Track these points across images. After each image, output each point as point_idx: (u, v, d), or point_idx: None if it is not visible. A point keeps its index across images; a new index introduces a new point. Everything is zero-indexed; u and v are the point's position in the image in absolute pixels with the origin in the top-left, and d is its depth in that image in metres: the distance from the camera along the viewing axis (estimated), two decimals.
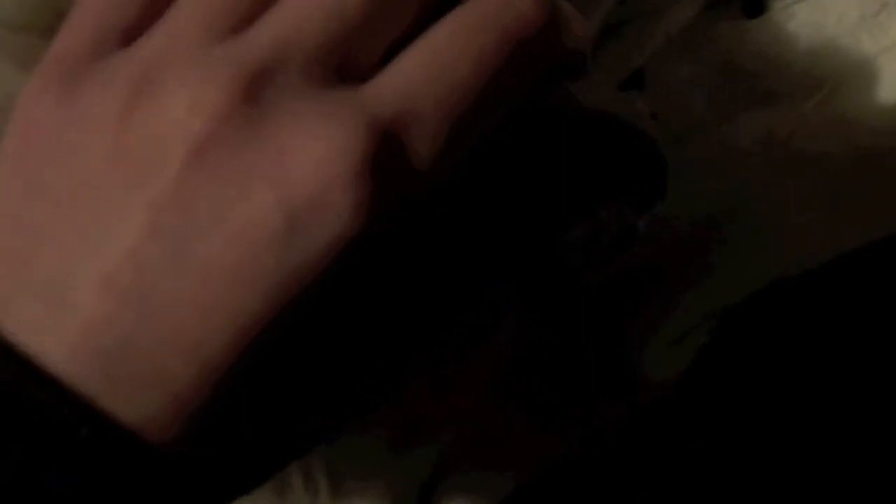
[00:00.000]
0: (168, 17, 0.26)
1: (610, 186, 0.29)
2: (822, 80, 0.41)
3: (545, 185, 0.29)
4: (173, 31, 0.26)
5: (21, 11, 0.35)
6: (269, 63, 0.25)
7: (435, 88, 0.25)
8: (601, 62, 0.40)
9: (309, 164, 0.24)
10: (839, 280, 0.41)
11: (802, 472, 0.42)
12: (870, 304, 0.42)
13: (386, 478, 0.41)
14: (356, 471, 0.40)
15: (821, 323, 0.42)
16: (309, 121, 0.24)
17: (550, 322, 0.40)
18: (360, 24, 0.26)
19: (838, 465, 0.42)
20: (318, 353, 0.28)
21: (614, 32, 0.41)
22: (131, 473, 0.25)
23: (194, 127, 0.24)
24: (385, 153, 0.25)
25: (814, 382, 0.42)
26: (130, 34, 0.27)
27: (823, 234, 0.40)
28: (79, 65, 0.26)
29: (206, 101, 0.24)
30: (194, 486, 0.26)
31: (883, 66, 0.42)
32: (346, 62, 0.26)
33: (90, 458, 0.25)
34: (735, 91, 0.41)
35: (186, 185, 0.24)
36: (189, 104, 0.24)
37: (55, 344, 0.25)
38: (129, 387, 0.25)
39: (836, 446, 0.42)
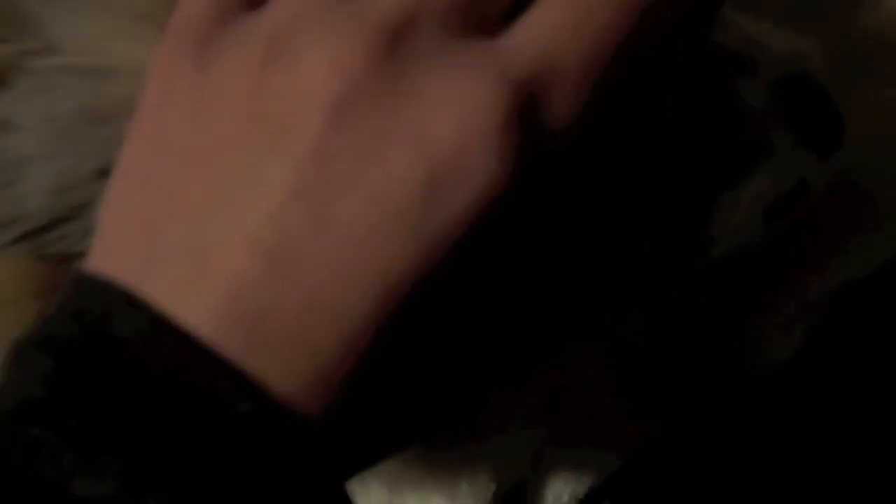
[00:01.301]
0: None
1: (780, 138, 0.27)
2: None
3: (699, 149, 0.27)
4: None
5: None
6: (403, 19, 0.25)
7: (575, 42, 0.25)
8: None
9: (449, 121, 0.24)
10: None
11: None
12: None
13: (492, 456, 0.40)
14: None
15: None
16: (447, 77, 0.24)
17: (665, 303, 0.39)
18: None
19: None
20: (455, 326, 0.27)
21: None
22: (284, 446, 0.24)
23: (333, 87, 0.24)
24: (527, 108, 0.24)
25: None
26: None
27: None
28: (208, 30, 0.26)
29: (344, 61, 0.24)
30: (335, 457, 0.26)
31: None
32: (479, 16, 0.25)
33: (250, 432, 0.24)
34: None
35: (327, 145, 0.24)
36: (327, 65, 0.24)
37: (200, 308, 0.24)
38: (274, 353, 0.24)
39: None
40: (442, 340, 0.27)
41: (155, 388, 0.24)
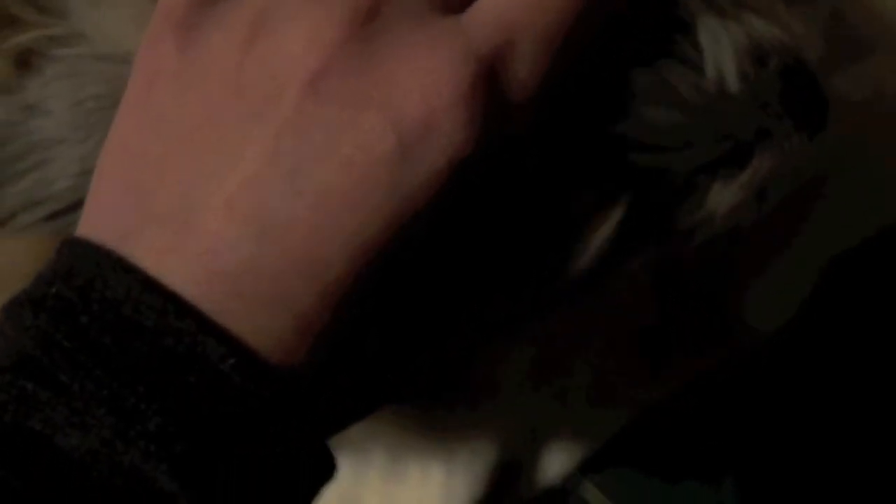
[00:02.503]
0: None
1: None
2: None
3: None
4: None
5: None
6: None
7: (533, 14, 0.26)
8: None
9: (419, 91, 0.25)
10: None
11: None
12: None
13: (496, 418, 0.41)
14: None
15: None
16: (415, 50, 0.26)
17: (658, 271, 0.40)
18: None
19: None
20: (431, 282, 0.28)
21: None
22: (266, 400, 0.25)
23: (310, 60, 0.26)
24: (491, 78, 0.26)
25: None
26: None
27: None
28: (193, 12, 0.27)
29: (321, 37, 0.26)
30: (316, 412, 0.27)
31: None
32: None
33: (234, 388, 0.25)
34: (840, 42, 0.41)
35: (304, 113, 0.26)
36: (305, 39, 0.26)
37: (183, 270, 0.26)
38: (254, 309, 0.26)
39: None
40: (414, 298, 0.28)
41: (143, 346, 0.25)
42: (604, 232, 0.29)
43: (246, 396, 0.25)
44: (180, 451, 0.25)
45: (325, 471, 0.28)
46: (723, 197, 0.29)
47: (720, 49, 0.27)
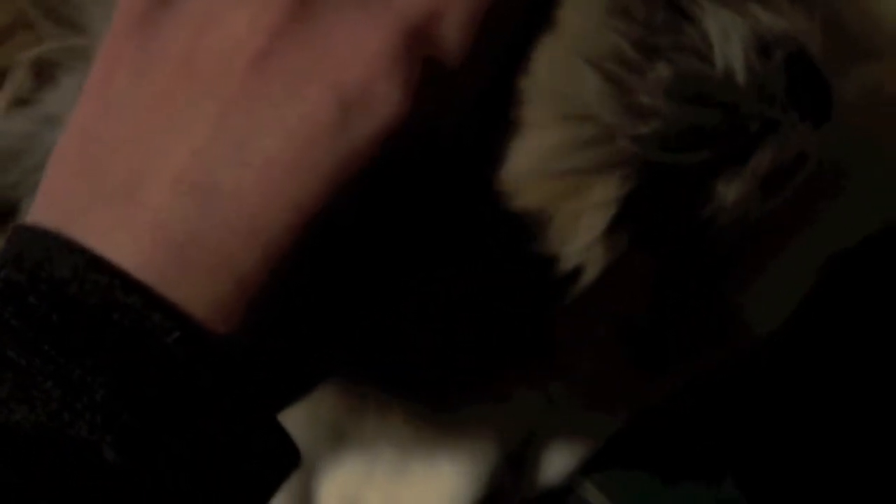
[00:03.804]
0: None
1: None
2: None
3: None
4: None
5: None
6: None
7: None
8: None
9: (356, 61, 0.27)
10: None
11: None
12: None
13: (496, 418, 0.42)
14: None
15: None
16: (351, 25, 0.28)
17: (659, 272, 0.40)
18: None
19: None
20: (367, 250, 0.29)
21: None
22: (213, 368, 0.26)
23: (255, 41, 0.28)
24: (422, 45, 0.28)
25: None
26: None
27: None
28: (151, 8, 0.29)
29: (263, 20, 0.28)
30: (261, 381, 0.28)
31: None
32: None
33: (180, 359, 0.26)
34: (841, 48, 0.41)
35: (249, 90, 0.27)
36: (249, 24, 0.28)
37: (130, 245, 0.27)
38: (197, 275, 0.27)
39: None
40: (355, 264, 0.29)
41: (90, 322, 0.26)
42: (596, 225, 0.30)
43: (193, 368, 0.26)
44: (126, 422, 0.25)
45: (287, 458, 0.29)
46: (729, 189, 0.30)
47: (729, 40, 0.28)
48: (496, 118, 0.30)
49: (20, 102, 0.33)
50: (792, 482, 0.45)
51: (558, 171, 0.30)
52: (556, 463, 0.45)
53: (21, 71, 0.33)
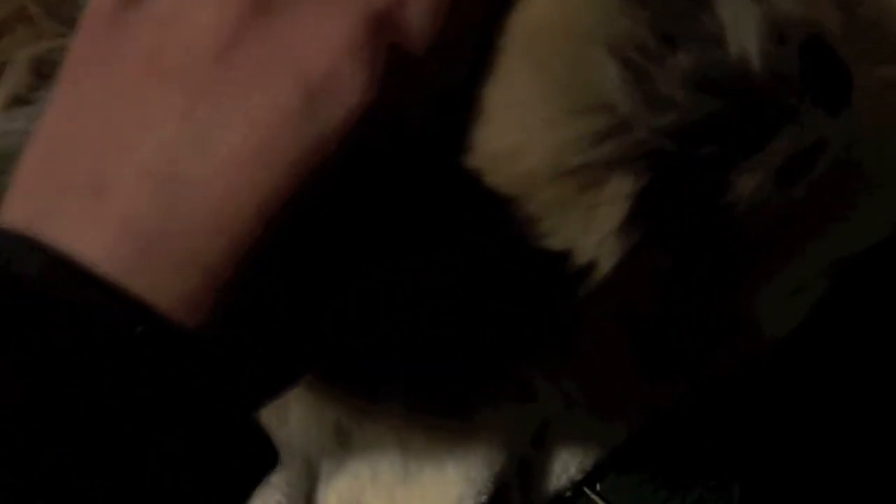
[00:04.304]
0: None
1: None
2: None
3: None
4: None
5: None
6: None
7: None
8: None
9: (322, 50, 0.27)
10: None
11: None
12: None
13: (505, 424, 0.41)
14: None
15: None
16: (314, 15, 0.28)
17: (671, 275, 0.40)
18: None
19: None
20: (336, 242, 0.29)
21: None
22: (181, 361, 0.26)
23: (221, 35, 0.28)
24: (384, 29, 0.28)
25: None
26: None
27: None
28: (119, 9, 0.29)
29: (228, 13, 0.28)
30: (233, 375, 0.28)
31: None
32: None
33: (147, 352, 0.26)
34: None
35: (215, 82, 0.27)
36: (215, 18, 0.28)
37: (96, 240, 0.27)
38: (164, 267, 0.27)
39: None
40: (325, 254, 0.29)
41: (54, 317, 0.26)
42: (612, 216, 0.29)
43: (161, 361, 0.26)
44: (87, 413, 0.25)
45: (263, 456, 0.29)
46: (746, 179, 0.29)
47: (743, 27, 0.28)
48: (467, 105, 0.30)
49: (19, 101, 0.33)
50: (799, 489, 0.45)
51: (574, 165, 0.29)
52: (562, 470, 0.45)
53: (20, 69, 0.32)
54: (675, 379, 0.42)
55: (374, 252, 0.30)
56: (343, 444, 0.40)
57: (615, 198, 0.30)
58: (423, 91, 0.29)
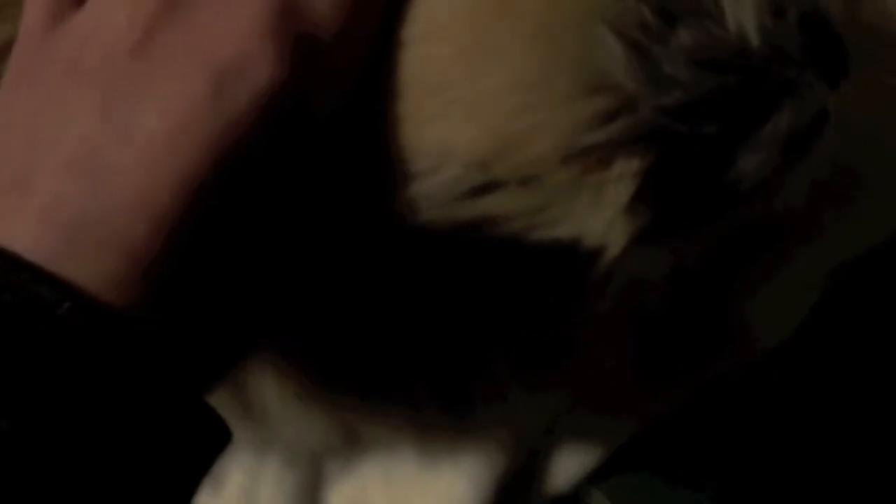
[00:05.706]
0: None
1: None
2: None
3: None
4: None
5: None
6: None
7: None
8: None
9: (230, 36, 0.29)
10: None
11: None
12: None
13: (508, 424, 0.41)
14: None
15: None
16: (224, 6, 0.29)
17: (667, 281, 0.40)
18: None
19: None
20: (257, 223, 0.30)
21: None
22: (108, 341, 0.27)
23: (133, 31, 0.29)
24: (291, 13, 0.29)
25: None
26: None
27: None
28: (48, 25, 0.31)
29: (140, 11, 0.30)
30: (167, 355, 0.28)
31: None
32: None
33: (74, 333, 0.27)
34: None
35: (130, 74, 0.29)
36: (128, 16, 0.30)
37: (22, 228, 0.28)
38: (90, 252, 0.28)
39: None
40: (247, 232, 0.30)
41: None
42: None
43: (85, 337, 0.27)
44: (16, 390, 0.26)
45: (213, 435, 0.29)
46: (752, 154, 0.30)
47: (740, 3, 0.28)
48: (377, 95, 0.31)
49: None
50: (802, 491, 0.45)
51: (582, 146, 0.30)
52: (565, 470, 0.45)
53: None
54: (673, 383, 0.42)
55: (294, 229, 0.31)
56: (349, 443, 0.40)
57: (622, 177, 0.30)
58: (331, 76, 0.30)
